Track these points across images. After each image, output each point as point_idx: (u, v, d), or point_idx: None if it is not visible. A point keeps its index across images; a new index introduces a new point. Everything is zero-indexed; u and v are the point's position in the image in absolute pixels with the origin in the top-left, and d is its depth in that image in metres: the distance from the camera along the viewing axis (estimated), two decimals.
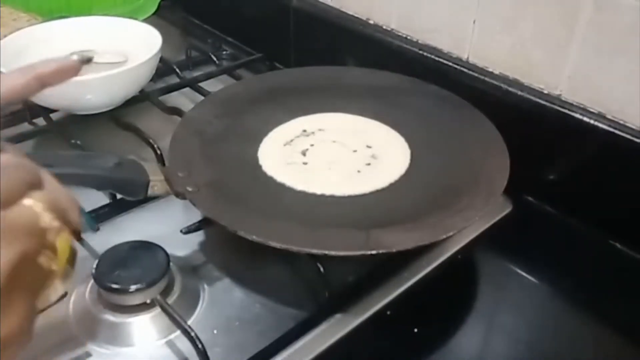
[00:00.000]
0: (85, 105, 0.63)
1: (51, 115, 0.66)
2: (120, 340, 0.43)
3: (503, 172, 0.50)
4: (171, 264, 0.45)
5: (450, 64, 0.63)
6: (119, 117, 0.65)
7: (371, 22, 0.72)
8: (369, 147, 0.58)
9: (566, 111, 0.55)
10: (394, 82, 0.65)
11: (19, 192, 0.24)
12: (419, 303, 0.48)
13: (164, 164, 0.57)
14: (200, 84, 0.73)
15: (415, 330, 0.46)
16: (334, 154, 0.57)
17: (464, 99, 0.60)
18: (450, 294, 0.50)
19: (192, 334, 0.41)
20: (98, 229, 0.48)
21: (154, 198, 0.53)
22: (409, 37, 0.68)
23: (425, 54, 0.65)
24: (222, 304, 0.47)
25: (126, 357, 0.43)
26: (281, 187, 0.53)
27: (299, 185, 0.52)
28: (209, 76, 0.76)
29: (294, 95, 0.64)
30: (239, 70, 0.79)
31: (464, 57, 0.63)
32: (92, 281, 0.45)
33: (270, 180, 0.53)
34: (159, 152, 0.59)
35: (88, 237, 0.52)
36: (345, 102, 0.63)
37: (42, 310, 0.25)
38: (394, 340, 0.45)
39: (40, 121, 0.66)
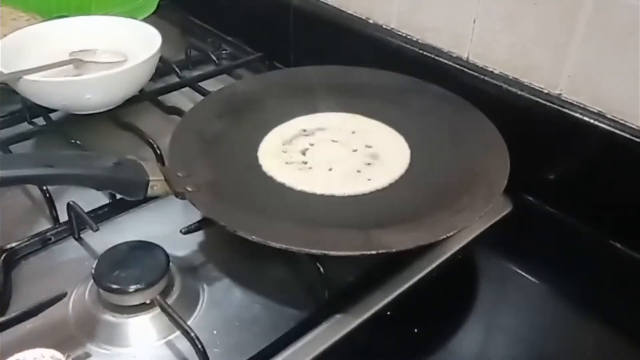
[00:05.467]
0: (85, 105, 0.63)
1: (51, 115, 0.66)
2: (120, 341, 0.43)
3: (503, 172, 0.50)
4: (171, 264, 0.45)
5: (450, 63, 0.63)
6: (118, 116, 0.65)
7: (371, 21, 0.72)
8: (368, 146, 0.58)
9: (566, 110, 0.55)
10: (394, 81, 0.65)
11: None
12: (419, 303, 0.48)
13: (163, 164, 0.57)
14: (200, 84, 0.73)
15: (415, 330, 0.45)
16: (334, 154, 0.57)
17: (464, 98, 0.60)
18: (450, 294, 0.50)
19: (192, 334, 0.41)
20: (98, 229, 0.47)
21: (154, 198, 0.53)
22: (408, 37, 0.68)
23: (425, 53, 0.65)
24: (221, 304, 0.47)
25: (126, 357, 0.42)
26: (281, 187, 0.53)
27: (299, 185, 0.52)
28: (208, 76, 0.76)
29: (294, 95, 0.64)
30: (239, 70, 0.79)
31: (464, 56, 0.63)
32: (91, 281, 0.45)
33: (270, 180, 0.53)
34: (158, 151, 0.59)
35: (88, 237, 0.52)
36: (345, 102, 0.63)
37: None
38: (394, 340, 0.45)
39: (40, 121, 0.66)
